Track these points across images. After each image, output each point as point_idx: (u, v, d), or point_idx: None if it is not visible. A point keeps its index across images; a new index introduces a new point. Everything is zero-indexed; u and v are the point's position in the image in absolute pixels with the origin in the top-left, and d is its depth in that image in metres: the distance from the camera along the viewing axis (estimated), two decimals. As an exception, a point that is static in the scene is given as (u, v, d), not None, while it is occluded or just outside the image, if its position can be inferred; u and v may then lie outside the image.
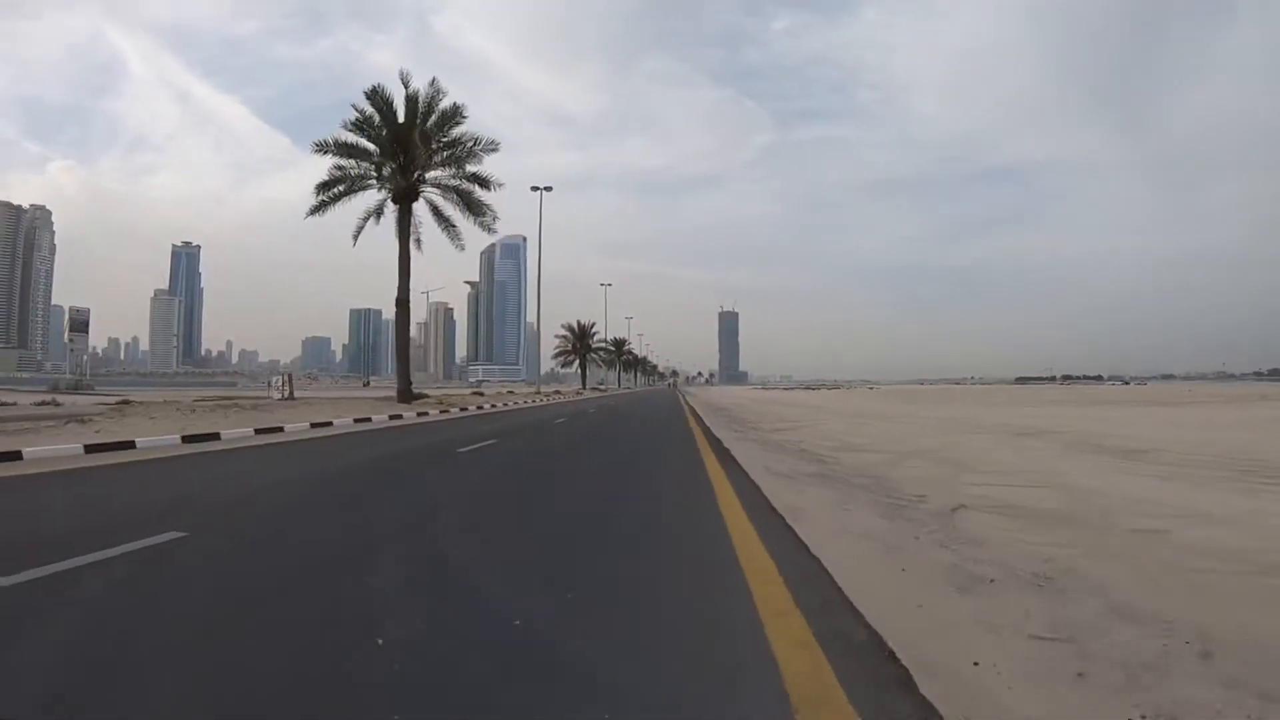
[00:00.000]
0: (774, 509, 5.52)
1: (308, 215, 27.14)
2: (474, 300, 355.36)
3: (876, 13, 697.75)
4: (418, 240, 28.22)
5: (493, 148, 26.04)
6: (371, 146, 26.98)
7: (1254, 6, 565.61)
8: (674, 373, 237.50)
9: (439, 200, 27.57)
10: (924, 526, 4.94)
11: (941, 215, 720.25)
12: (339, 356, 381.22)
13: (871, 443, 11.59)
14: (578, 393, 64.23)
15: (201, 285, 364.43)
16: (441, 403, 26.24)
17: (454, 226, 27.64)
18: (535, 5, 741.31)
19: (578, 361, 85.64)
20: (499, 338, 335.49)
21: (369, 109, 26.64)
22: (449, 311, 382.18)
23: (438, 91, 26.93)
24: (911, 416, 20.21)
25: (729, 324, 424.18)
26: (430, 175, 27.36)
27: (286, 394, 22.15)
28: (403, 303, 26.32)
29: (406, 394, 25.83)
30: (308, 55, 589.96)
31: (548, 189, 46.54)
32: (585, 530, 5.03)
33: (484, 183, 26.35)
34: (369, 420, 17.56)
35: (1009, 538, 4.54)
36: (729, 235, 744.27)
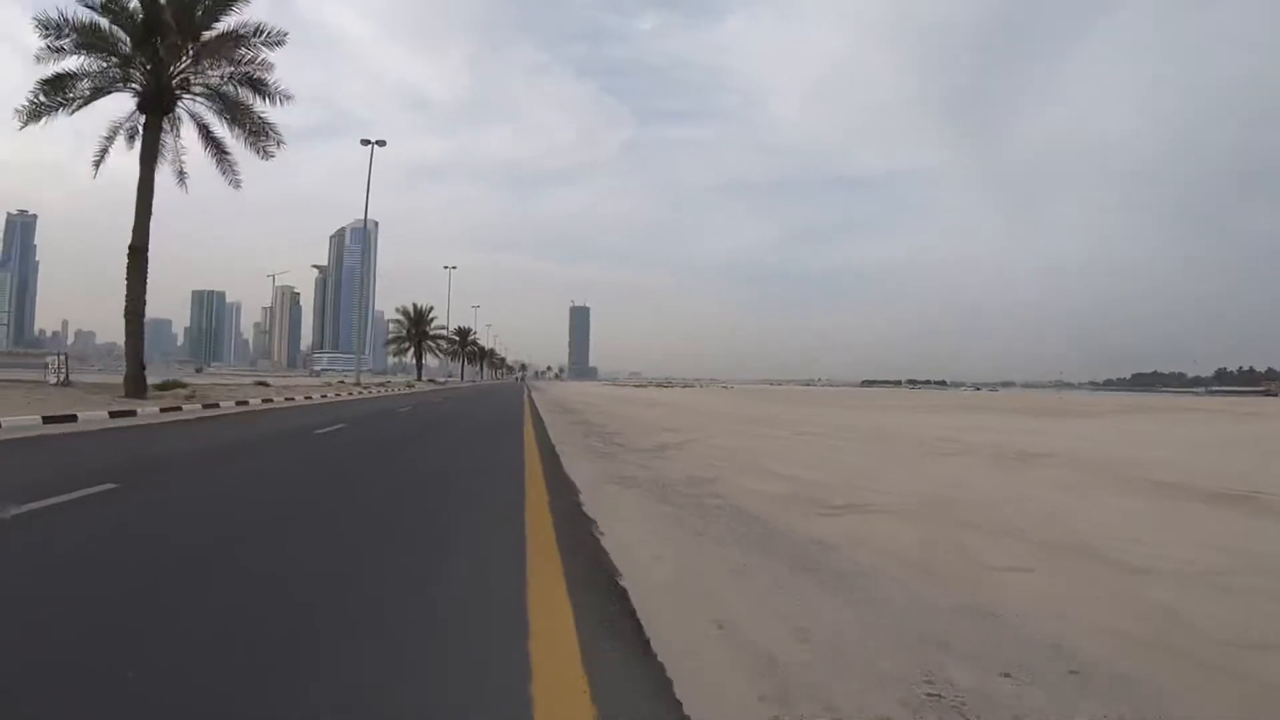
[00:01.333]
0: None
1: (21, 126, 18.67)
2: (321, 286, 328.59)
3: (741, 20, 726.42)
4: (180, 172, 20.46)
5: (278, 40, 18.75)
6: (120, 33, 18.87)
7: (1100, 35, 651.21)
8: (523, 366, 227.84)
9: (208, 115, 19.97)
10: None
11: (794, 220, 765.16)
12: (180, 340, 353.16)
13: (830, 479, 6.76)
14: (409, 385, 55.37)
15: (37, 259, 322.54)
16: (194, 397, 18.66)
17: (227, 155, 20.14)
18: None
19: (413, 350, 74.44)
20: (345, 326, 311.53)
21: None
22: (295, 296, 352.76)
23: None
24: (818, 424, 16.05)
25: (580, 319, 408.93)
26: (199, 80, 19.63)
27: (62, 378, 19.53)
28: (138, 250, 18.43)
29: (137, 381, 17.99)
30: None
31: (380, 143, 39.12)
32: None
33: (260, 87, 18.94)
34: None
35: None
36: (586, 231, 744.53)
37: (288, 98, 19.12)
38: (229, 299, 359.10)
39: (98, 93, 19.27)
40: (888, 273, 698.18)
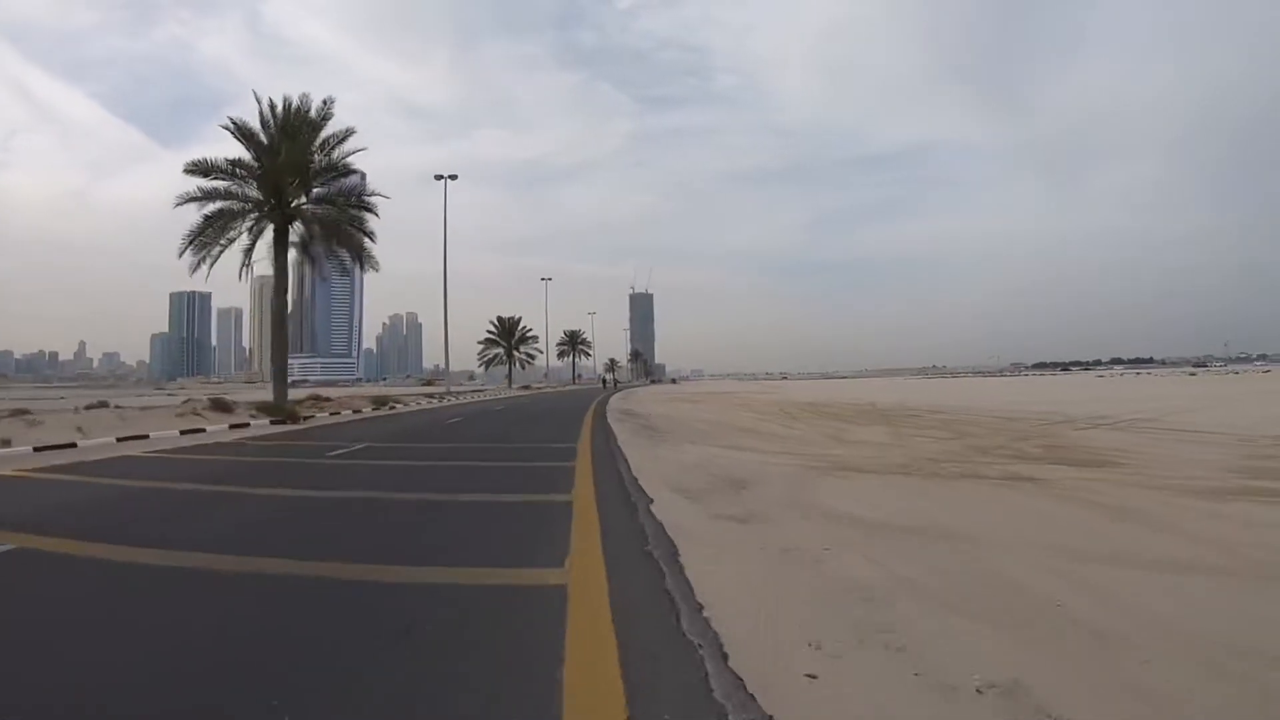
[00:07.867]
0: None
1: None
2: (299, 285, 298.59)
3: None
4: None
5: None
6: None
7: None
8: (612, 366, 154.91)
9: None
10: None
11: (823, 204, 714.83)
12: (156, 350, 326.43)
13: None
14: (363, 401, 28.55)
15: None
16: None
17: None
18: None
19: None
20: (320, 326, 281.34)
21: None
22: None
23: None
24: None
25: (642, 308, 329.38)
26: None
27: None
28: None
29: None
30: (142, 48, 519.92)
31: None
32: None
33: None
34: None
35: None
36: (612, 228, 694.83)
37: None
38: (214, 301, 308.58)
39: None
40: (929, 255, 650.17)
